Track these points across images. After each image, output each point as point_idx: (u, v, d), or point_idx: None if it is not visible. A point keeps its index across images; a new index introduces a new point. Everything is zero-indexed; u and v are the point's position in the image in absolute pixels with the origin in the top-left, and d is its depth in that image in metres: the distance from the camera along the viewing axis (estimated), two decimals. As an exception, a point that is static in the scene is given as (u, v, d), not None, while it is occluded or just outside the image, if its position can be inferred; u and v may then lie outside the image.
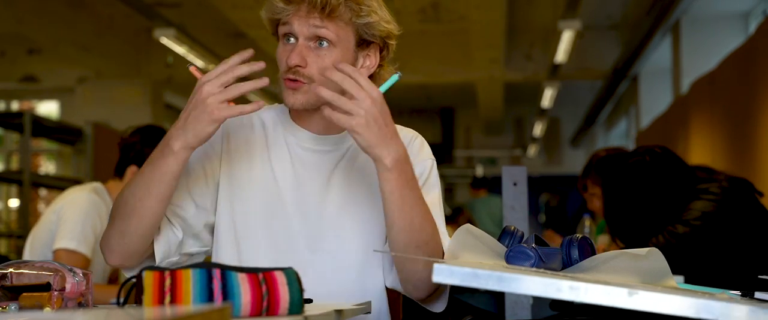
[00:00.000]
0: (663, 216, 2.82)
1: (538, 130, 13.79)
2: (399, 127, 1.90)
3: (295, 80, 1.74)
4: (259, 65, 1.61)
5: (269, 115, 1.90)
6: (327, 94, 1.60)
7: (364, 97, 1.60)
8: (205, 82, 1.60)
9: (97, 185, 3.33)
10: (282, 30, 1.76)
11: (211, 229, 1.84)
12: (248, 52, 1.62)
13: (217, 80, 1.60)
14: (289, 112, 1.89)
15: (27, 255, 3.29)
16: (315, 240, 1.80)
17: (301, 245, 1.80)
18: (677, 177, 2.86)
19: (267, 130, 1.87)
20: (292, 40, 1.75)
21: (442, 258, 1.75)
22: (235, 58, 1.62)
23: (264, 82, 1.60)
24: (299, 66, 1.73)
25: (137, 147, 3.24)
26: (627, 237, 2.90)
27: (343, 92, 1.63)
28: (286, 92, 1.76)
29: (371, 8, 1.76)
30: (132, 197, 1.68)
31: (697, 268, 2.71)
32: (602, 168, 3.61)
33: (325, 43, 1.73)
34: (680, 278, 2.02)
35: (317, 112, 1.80)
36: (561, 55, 8.38)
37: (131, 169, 3.25)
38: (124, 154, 3.28)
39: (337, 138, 1.86)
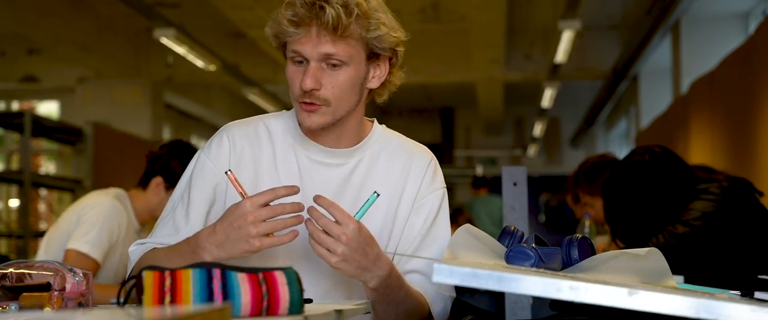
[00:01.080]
0: (663, 216, 2.82)
1: (538, 130, 13.79)
2: (412, 146, 1.91)
3: (311, 104, 1.73)
4: (301, 206, 1.61)
5: (277, 123, 1.87)
6: (311, 227, 1.61)
7: (339, 234, 1.59)
8: (250, 211, 1.60)
9: (120, 192, 3.36)
10: (291, 52, 1.73)
11: None
12: (294, 188, 1.63)
13: (264, 212, 1.60)
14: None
15: (41, 255, 3.31)
16: (316, 258, 1.71)
17: (303, 262, 1.77)
18: (677, 177, 2.85)
19: (275, 140, 1.84)
20: (303, 62, 1.73)
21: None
22: (282, 191, 1.62)
23: (294, 234, 1.61)
24: (314, 89, 1.72)
25: (163, 159, 3.32)
26: (627, 237, 2.90)
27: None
28: (302, 114, 1.75)
29: (379, 20, 1.73)
30: None
31: (697, 268, 2.71)
32: (591, 176, 3.61)
33: (337, 63, 1.72)
34: (680, 278, 2.02)
35: (330, 127, 1.79)
36: (561, 55, 8.38)
37: (156, 180, 3.33)
38: (150, 165, 3.36)
39: (349, 150, 1.84)
